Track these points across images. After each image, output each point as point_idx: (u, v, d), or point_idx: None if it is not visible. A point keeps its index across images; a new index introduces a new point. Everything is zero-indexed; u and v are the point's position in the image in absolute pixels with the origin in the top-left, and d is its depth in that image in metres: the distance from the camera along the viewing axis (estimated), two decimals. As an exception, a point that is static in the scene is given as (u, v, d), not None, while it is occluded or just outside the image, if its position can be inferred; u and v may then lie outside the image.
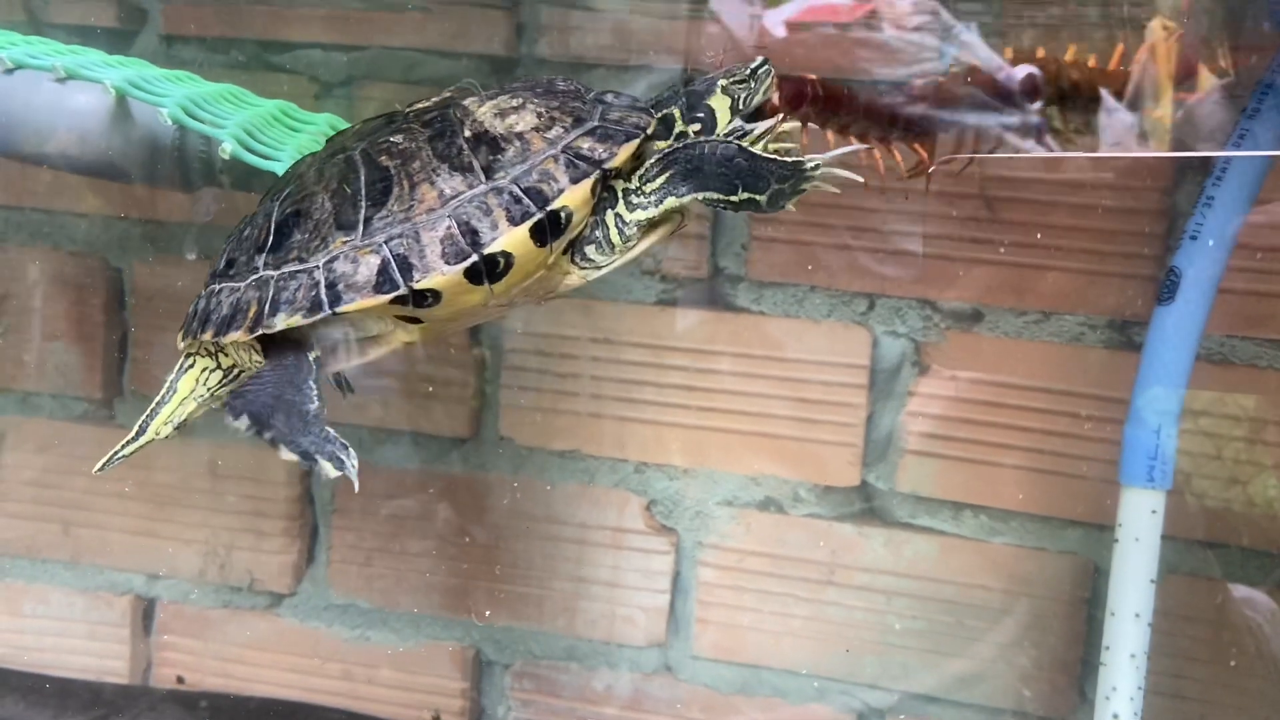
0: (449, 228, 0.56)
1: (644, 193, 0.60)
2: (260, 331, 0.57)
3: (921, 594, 0.88)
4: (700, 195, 0.60)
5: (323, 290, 0.56)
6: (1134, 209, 0.82)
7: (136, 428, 0.63)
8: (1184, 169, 0.80)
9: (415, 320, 0.60)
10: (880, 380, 0.88)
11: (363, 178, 0.58)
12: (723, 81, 0.61)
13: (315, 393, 0.59)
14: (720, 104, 0.61)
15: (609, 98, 0.62)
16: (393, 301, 0.56)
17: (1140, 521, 0.73)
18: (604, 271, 0.62)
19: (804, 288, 0.88)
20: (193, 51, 0.93)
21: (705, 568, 0.91)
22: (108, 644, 1.00)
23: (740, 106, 0.62)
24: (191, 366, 0.63)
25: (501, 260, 0.57)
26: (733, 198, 0.59)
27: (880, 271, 0.86)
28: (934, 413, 0.87)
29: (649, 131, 0.60)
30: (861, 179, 0.60)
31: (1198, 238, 0.70)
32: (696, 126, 0.61)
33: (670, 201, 0.60)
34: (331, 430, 0.59)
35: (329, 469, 0.58)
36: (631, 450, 0.91)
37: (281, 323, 0.57)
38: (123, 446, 0.63)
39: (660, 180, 0.60)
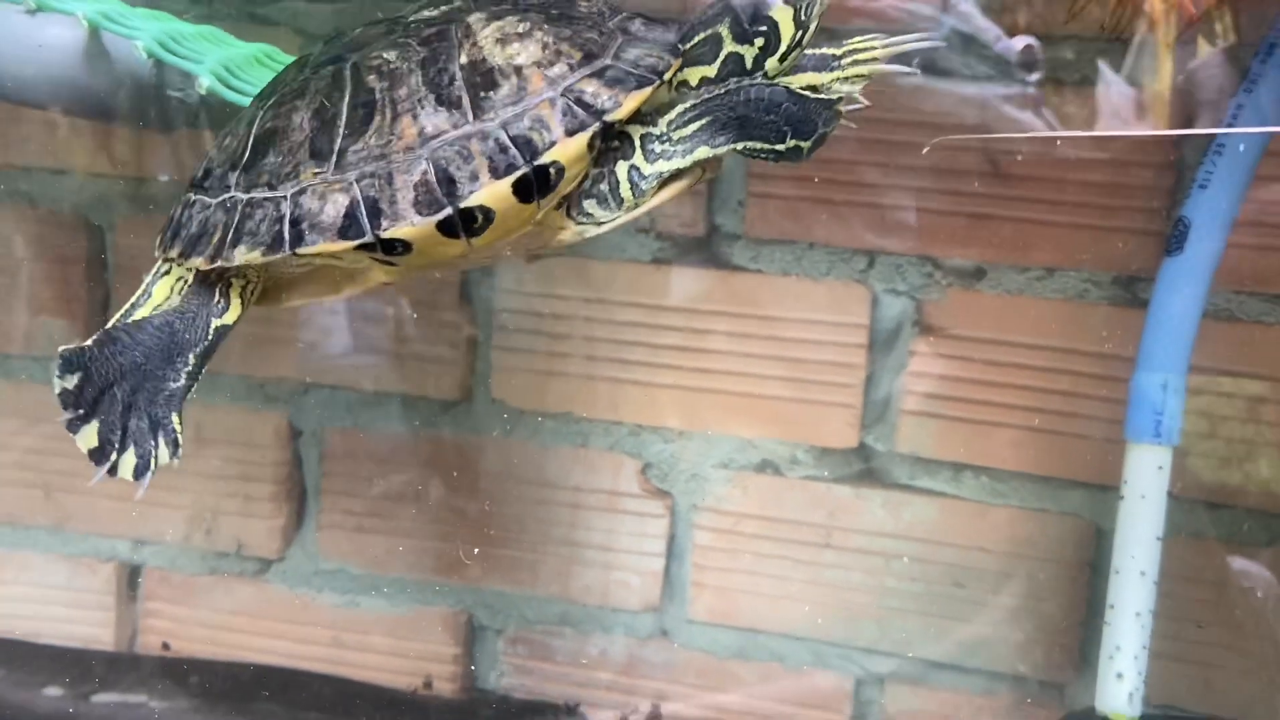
0: (425, 172, 0.51)
1: (672, 140, 0.55)
2: (220, 264, 0.54)
3: (921, 557, 0.86)
4: (741, 145, 0.54)
5: (286, 226, 0.52)
6: (1139, 162, 0.80)
7: (109, 326, 0.59)
8: (1191, 119, 0.78)
9: (390, 262, 0.56)
10: (880, 339, 0.86)
11: (346, 99, 0.53)
12: None
13: (188, 370, 0.55)
14: (784, 15, 0.54)
15: (635, 26, 0.55)
16: (358, 248, 0.52)
17: (1146, 478, 0.71)
18: (605, 229, 0.56)
19: (802, 245, 0.86)
20: (172, 2, 0.90)
21: (701, 531, 0.90)
22: (92, 611, 0.99)
23: (804, 16, 0.55)
24: (167, 273, 0.58)
25: (480, 215, 0.52)
26: (779, 146, 0.54)
27: (882, 228, 0.84)
28: (934, 372, 0.85)
29: (666, 76, 0.54)
30: (908, 69, 0.55)
31: (1207, 186, 0.68)
32: (759, 43, 0.54)
33: (702, 151, 0.55)
34: (175, 421, 0.55)
35: (125, 468, 0.54)
36: (626, 412, 0.90)
37: (240, 257, 0.53)
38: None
39: (694, 127, 0.55)
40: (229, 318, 0.57)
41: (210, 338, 0.56)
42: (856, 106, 0.55)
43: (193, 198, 0.57)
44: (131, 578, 0.99)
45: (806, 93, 0.54)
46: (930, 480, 0.86)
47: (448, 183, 0.51)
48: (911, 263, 0.85)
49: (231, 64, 0.63)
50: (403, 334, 0.92)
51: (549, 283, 0.90)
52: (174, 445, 0.55)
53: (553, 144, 0.51)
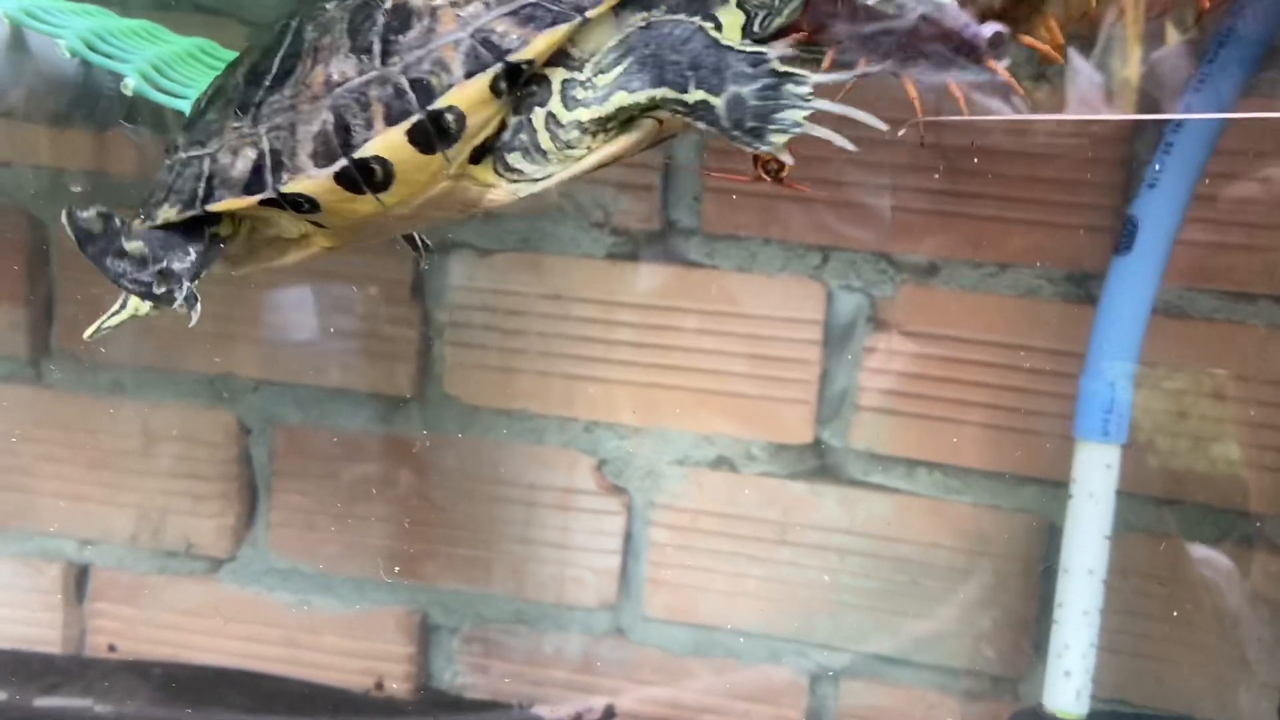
0: (324, 122, 0.48)
1: (595, 86, 0.49)
2: (149, 223, 0.53)
3: (875, 553, 0.86)
4: (658, 93, 0.48)
5: (202, 183, 0.51)
6: (1093, 158, 0.80)
7: (120, 301, 0.58)
8: (1154, 110, 0.78)
9: (315, 222, 0.53)
10: (834, 336, 0.85)
11: (281, 51, 0.51)
12: None
13: (191, 260, 0.53)
14: (731, 18, 0.49)
15: None
16: (266, 204, 0.50)
17: (1094, 476, 0.71)
18: (540, 186, 0.51)
19: (757, 241, 0.85)
20: (117, -8, 0.88)
21: (657, 528, 0.89)
22: (39, 612, 0.97)
23: (755, 29, 0.49)
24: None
25: (378, 168, 0.48)
26: (686, 96, 0.47)
27: (839, 226, 0.84)
28: (888, 368, 0.85)
29: (591, 15, 0.47)
30: (882, 125, 0.48)
31: (1156, 186, 0.68)
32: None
33: (620, 98, 0.48)
34: (189, 286, 0.53)
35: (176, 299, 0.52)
36: (581, 409, 0.89)
37: (161, 216, 0.52)
38: (108, 317, 0.58)
39: (616, 71, 0.49)
40: (221, 229, 0.55)
41: (205, 243, 0.54)
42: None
43: (166, 156, 0.56)
44: (79, 578, 0.97)
45: (734, 44, 0.48)
46: (884, 476, 0.86)
47: (343, 132, 0.48)
48: (866, 259, 0.84)
49: (163, 61, 0.61)
50: (354, 330, 0.91)
51: (503, 278, 0.89)
52: (190, 300, 0.53)
53: (449, 87, 0.47)
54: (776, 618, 0.88)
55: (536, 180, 0.51)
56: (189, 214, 0.51)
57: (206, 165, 0.51)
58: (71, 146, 0.89)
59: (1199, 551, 0.81)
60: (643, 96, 0.48)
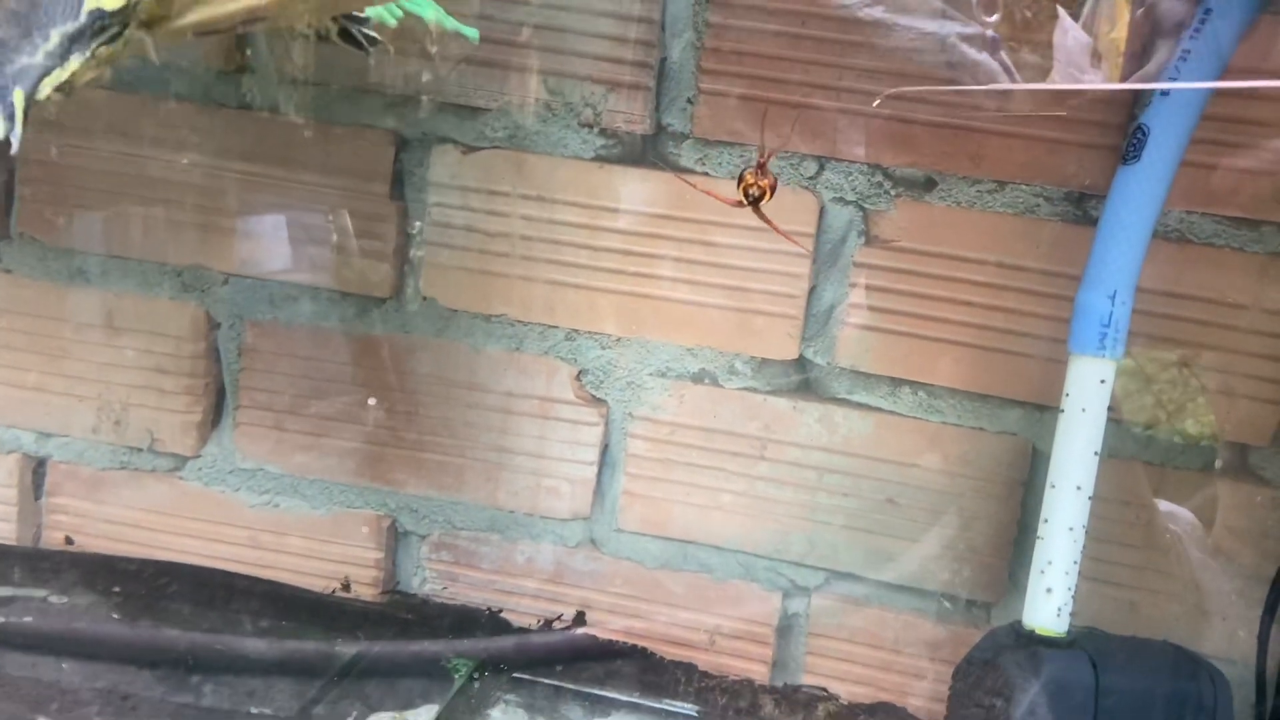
0: None
1: None
2: None
3: (854, 471, 0.85)
4: None
5: None
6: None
7: None
8: (1149, 50, 0.76)
9: None
10: (825, 250, 0.83)
11: None
12: None
13: (47, 49, 0.49)
14: None
15: None
16: None
17: (1088, 391, 0.70)
18: None
19: (751, 148, 0.83)
20: None
21: (635, 440, 0.87)
22: (-6, 503, 0.94)
23: None
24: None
25: None
26: None
27: (834, 132, 0.81)
28: (878, 285, 0.83)
29: None
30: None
31: (1169, 93, 0.66)
32: None
33: None
34: (17, 98, 0.48)
35: None
36: (562, 316, 0.87)
37: None
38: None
39: None
40: (107, 2, 0.50)
41: (81, 19, 0.50)
42: None
43: None
44: (37, 471, 0.94)
45: None
46: (867, 395, 0.84)
47: None
48: (861, 170, 0.82)
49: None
50: (331, 226, 0.88)
51: (485, 177, 0.85)
52: (9, 120, 0.48)
53: None
54: (751, 534, 0.87)
55: None
56: None
57: None
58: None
59: (1165, 507, 0.81)
60: None
